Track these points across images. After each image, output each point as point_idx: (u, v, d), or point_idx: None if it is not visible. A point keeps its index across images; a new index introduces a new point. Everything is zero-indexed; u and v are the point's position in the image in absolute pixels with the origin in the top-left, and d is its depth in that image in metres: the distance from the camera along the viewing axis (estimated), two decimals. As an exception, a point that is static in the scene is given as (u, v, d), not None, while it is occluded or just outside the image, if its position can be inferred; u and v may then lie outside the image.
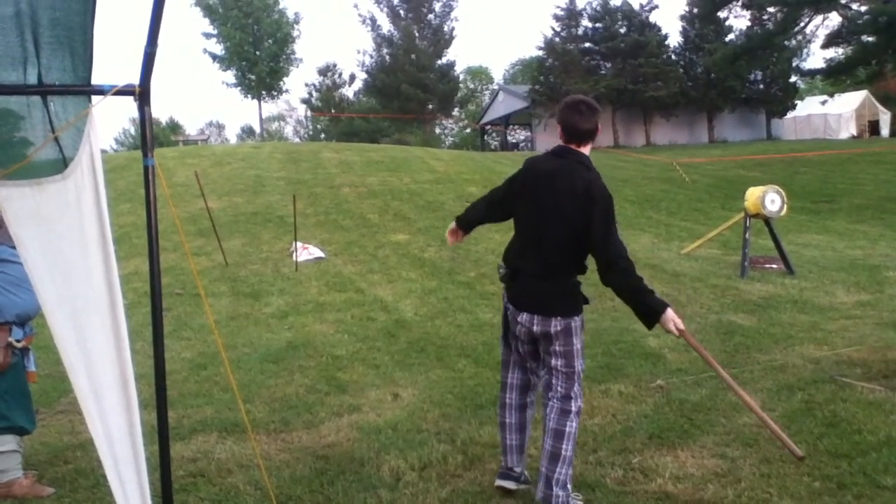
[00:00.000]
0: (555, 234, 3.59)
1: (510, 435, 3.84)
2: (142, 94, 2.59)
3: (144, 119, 2.66)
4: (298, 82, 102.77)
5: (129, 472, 2.59)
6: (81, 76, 2.52)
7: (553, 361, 3.64)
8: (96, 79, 2.61)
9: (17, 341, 4.13)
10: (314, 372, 6.45)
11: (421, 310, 8.84)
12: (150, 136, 2.70)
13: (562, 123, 3.66)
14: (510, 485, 3.81)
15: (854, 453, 4.07)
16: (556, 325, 3.58)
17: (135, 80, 2.62)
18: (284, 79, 51.36)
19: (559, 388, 3.63)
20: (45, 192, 2.51)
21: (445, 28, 51.62)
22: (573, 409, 3.61)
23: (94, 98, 2.57)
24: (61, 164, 2.61)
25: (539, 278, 3.63)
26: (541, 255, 3.63)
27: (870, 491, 3.63)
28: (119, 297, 2.59)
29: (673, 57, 42.89)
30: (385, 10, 50.95)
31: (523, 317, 3.64)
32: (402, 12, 50.60)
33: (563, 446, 3.56)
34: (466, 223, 4.14)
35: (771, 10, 28.21)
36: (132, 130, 63.26)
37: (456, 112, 59.42)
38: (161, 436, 2.88)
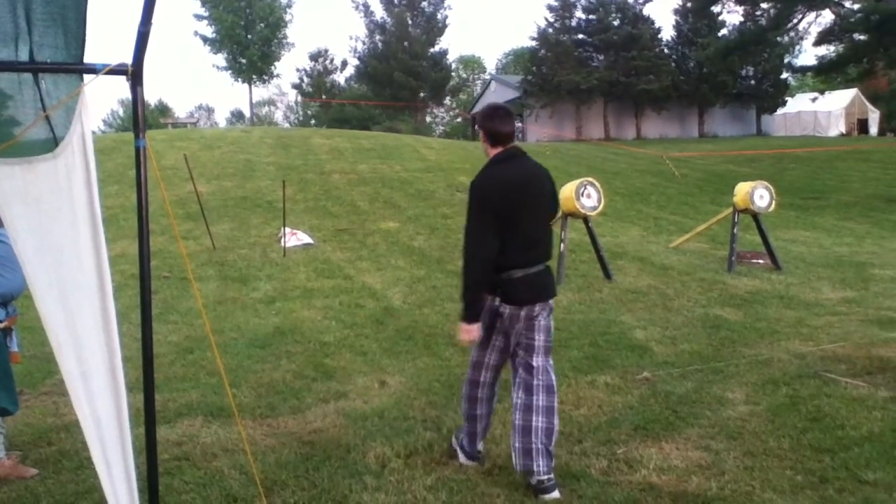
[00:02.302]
0: (545, 226, 3.92)
1: (480, 424, 4.09)
2: (134, 74, 2.57)
3: (137, 99, 2.64)
4: (290, 67, 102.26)
5: (115, 454, 2.57)
6: (74, 54, 2.48)
7: (537, 338, 3.86)
8: (87, 58, 2.58)
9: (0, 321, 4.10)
10: (301, 358, 6.45)
11: (409, 298, 8.83)
12: (141, 117, 2.67)
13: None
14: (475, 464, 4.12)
15: (837, 448, 4.11)
16: (551, 304, 3.92)
17: (126, 59, 2.59)
18: (276, 63, 50.95)
19: (541, 365, 3.86)
20: (35, 172, 2.49)
21: (439, 16, 51.37)
22: (553, 382, 3.89)
23: (86, 77, 2.54)
24: (52, 144, 2.58)
25: (544, 268, 3.87)
26: (542, 248, 3.87)
27: (851, 485, 3.67)
28: (108, 279, 2.57)
29: (665, 51, 42.95)
30: (378, -4, 50.72)
31: (524, 311, 3.80)
32: (395, -1, 50.36)
33: (555, 420, 3.83)
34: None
35: (764, 6, 28.23)
36: (120, 112, 62.81)
37: (447, 101, 59.26)
38: (148, 419, 2.86)
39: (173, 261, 11.01)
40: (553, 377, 3.89)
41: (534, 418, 3.77)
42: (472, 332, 3.76)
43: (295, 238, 12.24)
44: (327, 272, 10.37)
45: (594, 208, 9.52)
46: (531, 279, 3.79)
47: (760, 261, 10.58)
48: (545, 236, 3.90)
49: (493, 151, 3.85)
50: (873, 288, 8.88)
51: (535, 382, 3.83)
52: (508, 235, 3.69)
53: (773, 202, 10.40)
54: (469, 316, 3.75)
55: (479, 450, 4.17)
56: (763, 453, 4.11)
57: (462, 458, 4.14)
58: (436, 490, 3.79)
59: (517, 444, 3.78)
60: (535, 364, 3.85)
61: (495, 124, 3.84)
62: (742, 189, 10.34)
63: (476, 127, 3.95)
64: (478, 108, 49.89)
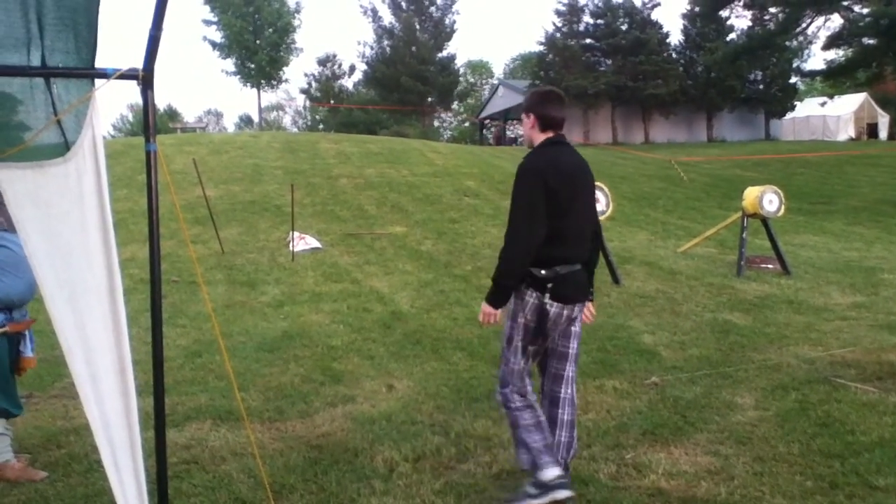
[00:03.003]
0: (592, 221, 3.70)
1: (546, 428, 3.63)
2: (145, 79, 2.57)
3: (147, 104, 2.64)
4: (298, 72, 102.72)
5: (125, 457, 2.58)
6: (85, 59, 2.50)
7: (571, 346, 3.64)
8: (98, 62, 2.59)
9: None
10: (309, 362, 6.45)
11: (417, 302, 8.84)
12: (152, 122, 2.68)
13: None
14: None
15: (847, 453, 4.09)
16: (586, 307, 3.72)
17: (137, 64, 2.60)
18: (284, 68, 51.27)
19: (571, 377, 3.67)
20: (46, 175, 2.50)
21: (447, 21, 51.50)
22: (576, 394, 3.73)
23: (97, 82, 2.55)
24: (63, 148, 2.59)
25: (585, 266, 3.64)
26: (586, 244, 3.64)
27: (862, 491, 3.65)
28: (118, 283, 2.57)
29: (673, 55, 42.84)
30: (387, 1, 50.89)
31: (566, 310, 3.54)
32: (403, 4, 50.45)
33: (575, 434, 3.70)
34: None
35: (772, 10, 28.17)
36: (130, 116, 63.10)
37: (455, 105, 59.33)
38: (158, 422, 2.87)
39: (182, 265, 11.04)
40: (575, 388, 3.72)
41: (557, 432, 3.61)
42: (494, 316, 3.51)
43: (303, 242, 12.27)
44: (335, 276, 10.39)
45: (602, 213, 9.51)
46: (575, 276, 3.54)
47: (770, 265, 10.54)
48: (590, 234, 3.66)
49: (543, 137, 3.61)
50: (883, 293, 8.83)
51: (562, 395, 3.64)
52: (559, 225, 3.41)
53: (782, 207, 10.37)
54: (499, 301, 3.49)
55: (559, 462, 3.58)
56: (772, 458, 4.09)
57: (561, 493, 3.49)
58: (444, 494, 3.78)
59: None
60: (566, 375, 3.64)
61: (548, 109, 3.61)
62: (751, 193, 10.31)
63: (524, 111, 3.67)
64: (486, 112, 49.97)
